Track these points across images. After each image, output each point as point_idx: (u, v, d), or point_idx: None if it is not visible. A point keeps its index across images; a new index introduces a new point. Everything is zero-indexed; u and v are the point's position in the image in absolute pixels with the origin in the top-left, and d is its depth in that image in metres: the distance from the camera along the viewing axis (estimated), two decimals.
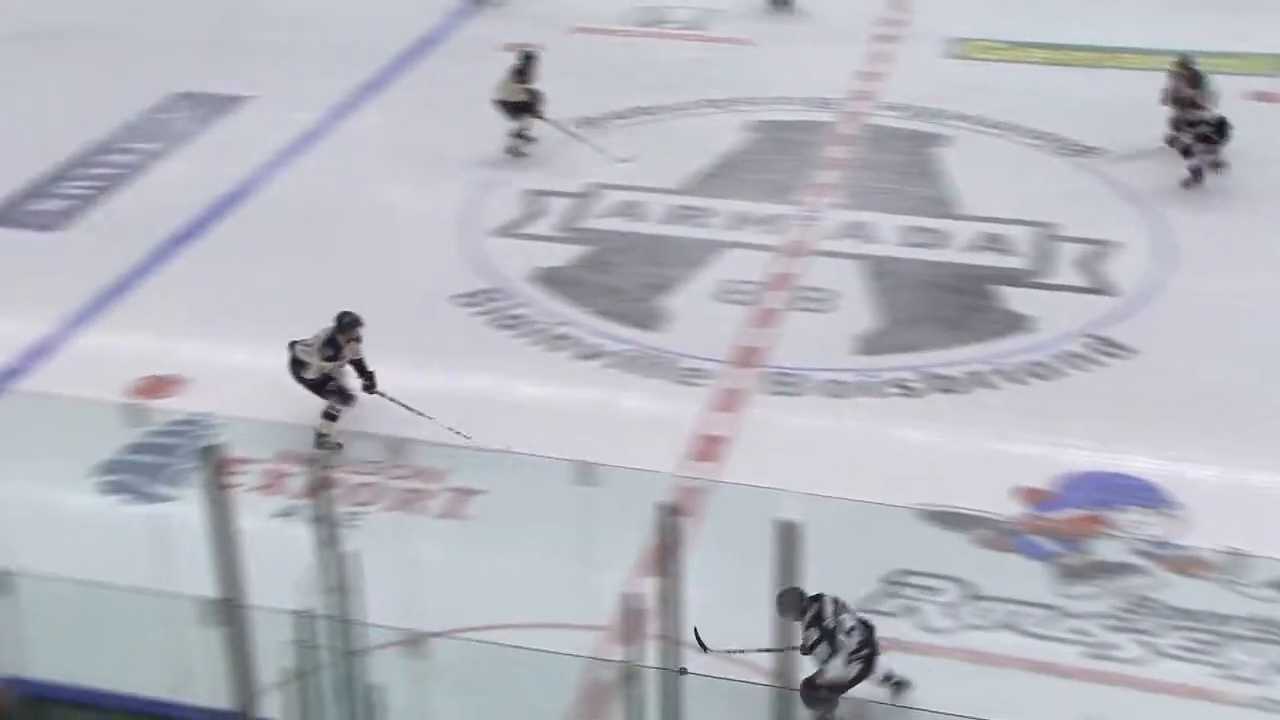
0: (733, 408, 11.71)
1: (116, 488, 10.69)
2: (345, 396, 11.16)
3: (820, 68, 18.80)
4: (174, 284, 13.68)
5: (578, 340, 12.66)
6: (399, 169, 16.20)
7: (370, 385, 11.20)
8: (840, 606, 8.28)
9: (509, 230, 14.72)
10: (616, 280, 13.74)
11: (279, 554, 7.85)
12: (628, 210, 15.11)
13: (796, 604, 7.88)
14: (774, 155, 16.50)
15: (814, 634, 8.15)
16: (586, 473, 9.33)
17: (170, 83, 18.24)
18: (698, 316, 13.11)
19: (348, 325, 11.08)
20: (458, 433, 10.97)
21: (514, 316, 13.05)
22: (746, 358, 12.43)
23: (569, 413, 11.65)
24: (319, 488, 7.32)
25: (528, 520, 10.11)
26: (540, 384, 12.14)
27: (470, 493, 10.52)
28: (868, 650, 8.25)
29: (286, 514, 10.13)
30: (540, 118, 16.20)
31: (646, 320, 13.03)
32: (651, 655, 7.07)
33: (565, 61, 19.15)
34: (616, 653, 7.74)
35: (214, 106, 17.70)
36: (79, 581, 7.94)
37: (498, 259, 14.09)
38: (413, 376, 12.08)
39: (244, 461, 10.54)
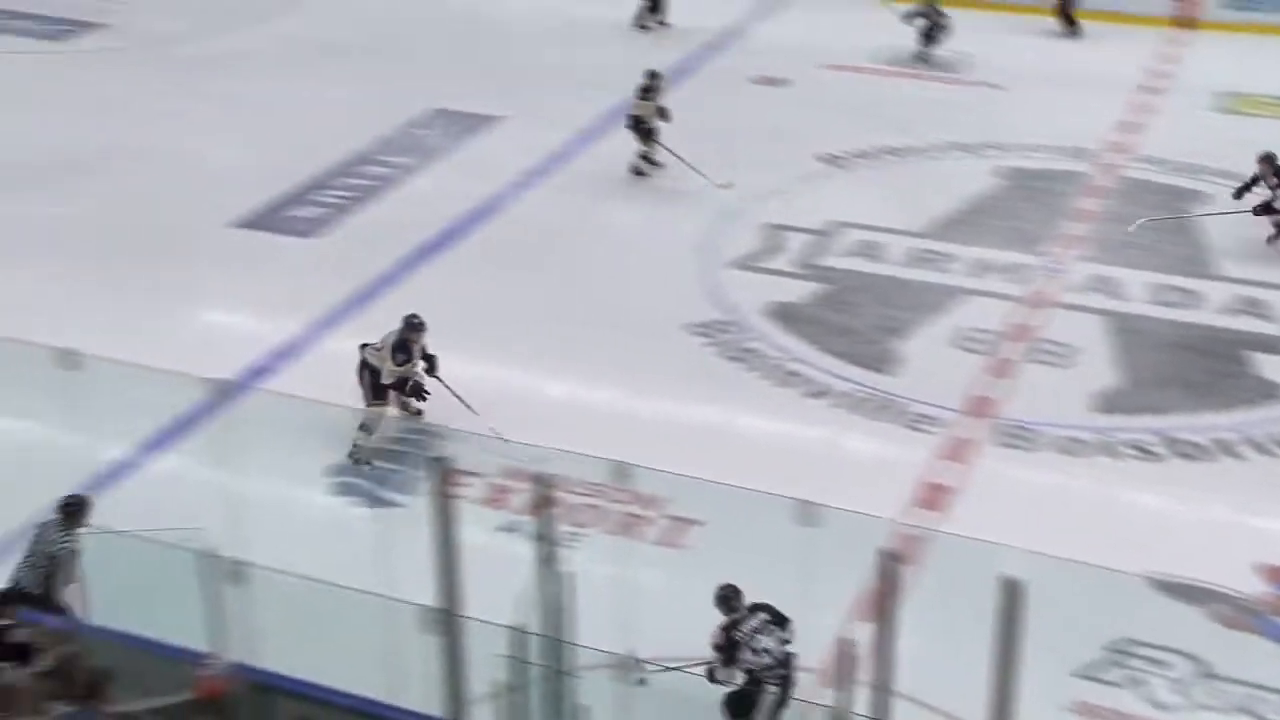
0: (961, 457, 11.44)
1: (348, 490, 11.00)
2: (422, 393, 11.39)
3: (1077, 116, 18.32)
4: (417, 295, 14.00)
5: (807, 378, 12.55)
6: (642, 194, 16.34)
7: (432, 369, 11.48)
8: (765, 628, 8.31)
9: (746, 263, 14.70)
10: (851, 320, 13.59)
11: (498, 568, 7.94)
12: (868, 250, 14.93)
13: (725, 602, 8.46)
14: (1022, 203, 16.13)
15: (720, 637, 8.32)
16: (808, 512, 9.21)
17: (428, 99, 18.81)
18: (932, 362, 12.86)
19: (416, 327, 11.31)
20: (495, 433, 11.09)
21: (745, 349, 13.01)
22: (979, 407, 12.14)
23: (793, 450, 11.55)
24: (542, 505, 7.37)
25: (745, 555, 10.02)
26: (766, 419, 12.07)
27: (689, 523, 10.50)
28: (783, 674, 8.20)
29: (509, 529, 10.27)
30: (651, 140, 16.36)
31: (879, 362, 12.84)
32: (862, 701, 6.91)
33: (813, 97, 19.17)
34: (826, 696, 7.61)
35: (468, 124, 18.18)
36: (306, 578, 8.16)
37: (733, 290, 14.09)
38: (639, 402, 12.19)
39: (471, 474, 10.74)
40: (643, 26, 22.04)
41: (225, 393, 11.69)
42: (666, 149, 16.41)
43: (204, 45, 21.30)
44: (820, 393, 12.34)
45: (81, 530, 8.87)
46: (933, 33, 20.48)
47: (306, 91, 19.37)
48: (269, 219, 15.69)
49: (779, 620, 8.47)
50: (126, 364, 10.73)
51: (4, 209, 15.73)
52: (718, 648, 8.41)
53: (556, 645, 7.47)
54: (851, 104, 19.04)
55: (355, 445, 11.29)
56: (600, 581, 8.46)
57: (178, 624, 8.17)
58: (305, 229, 15.48)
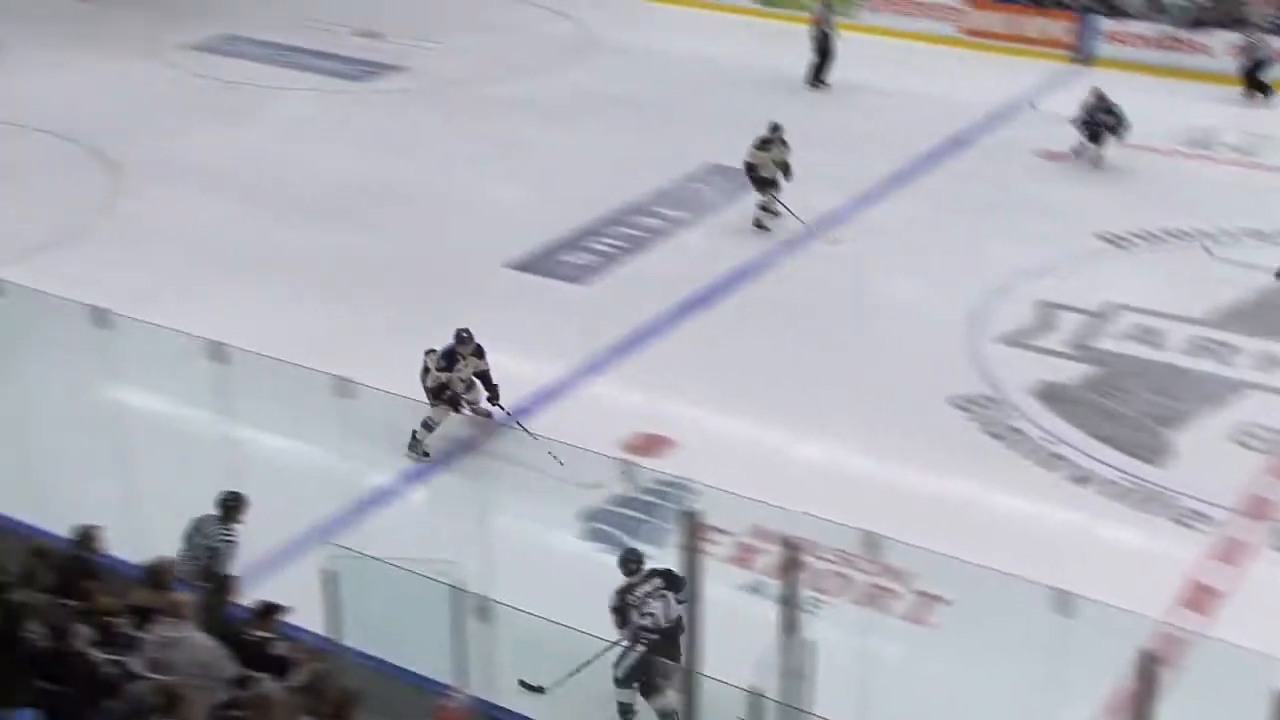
0: (1234, 560, 10.86)
1: (597, 536, 11.10)
2: (456, 405, 11.99)
3: None
4: (679, 348, 14.14)
5: (1071, 462, 12.13)
6: (914, 262, 16.12)
7: (494, 398, 12.17)
8: (657, 594, 8.96)
9: (1016, 339, 14.33)
10: (1122, 406, 13.08)
11: (740, 628, 7.89)
12: (1145, 335, 14.38)
13: (625, 565, 9.16)
14: None
15: (615, 600, 8.99)
16: (1064, 601, 8.88)
17: (706, 154, 18.97)
18: (1207, 457, 12.27)
19: (463, 341, 12.07)
20: (555, 458, 11.32)
21: (1008, 427, 12.67)
22: (1258, 509, 11.52)
23: (1052, 535, 11.17)
24: (788, 569, 7.30)
25: (993, 637, 9.73)
26: (1025, 501, 11.72)
27: (937, 600, 10.25)
28: (656, 638, 8.79)
29: (753, 589, 10.20)
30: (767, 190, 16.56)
31: (1149, 452, 12.32)
32: None
33: (1098, 174, 18.63)
34: None
35: (743, 181, 18.21)
36: (550, 620, 8.24)
37: (1000, 366, 13.74)
38: (895, 471, 12.00)
39: (719, 531, 10.71)
40: (816, 83, 22.18)
41: (485, 430, 11.96)
42: (778, 200, 16.63)
43: (494, 90, 22.01)
44: (1084, 478, 11.91)
45: (238, 525, 9.45)
46: (1099, 134, 18.63)
47: (588, 140, 19.80)
48: (542, 263, 16.04)
49: (674, 585, 8.90)
50: (395, 395, 11.08)
51: (292, 238, 16.51)
52: (614, 610, 9.01)
53: (794, 713, 7.37)
54: (1139, 183, 18.43)
55: (415, 438, 12.03)
56: (842, 652, 8.33)
57: (424, 653, 8.36)
58: (576, 275, 15.78)
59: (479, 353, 12.12)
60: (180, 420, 12.62)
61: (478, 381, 12.11)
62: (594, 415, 12.75)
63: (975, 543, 10.42)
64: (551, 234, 16.61)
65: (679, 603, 8.75)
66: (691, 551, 6.89)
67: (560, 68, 23.29)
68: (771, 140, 16.64)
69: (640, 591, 9.04)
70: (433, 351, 12.18)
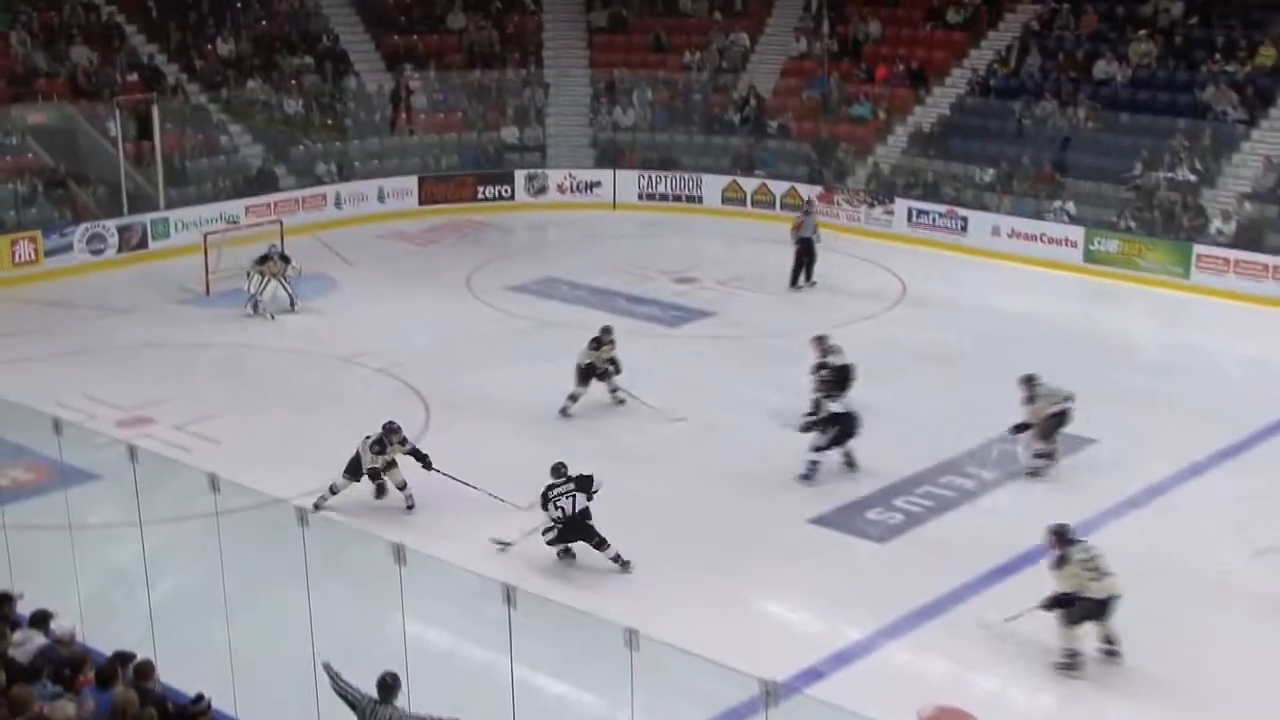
0: None
1: None
2: (381, 491, 15.41)
3: None
4: (984, 615, 13.30)
5: None
6: (1244, 538, 14.91)
7: (427, 465, 15.35)
8: (568, 493, 13.72)
9: None
10: None
11: None
12: None
13: (555, 472, 13.95)
14: None
15: (543, 493, 13.95)
16: None
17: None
18: None
19: (389, 432, 15.22)
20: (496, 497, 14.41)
21: None
22: None
23: None
24: None
25: None
26: None
27: None
28: (562, 523, 13.86)
29: None
30: (599, 379, 18.50)
31: None
32: None
33: None
34: None
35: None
36: None
37: None
38: None
39: None
40: (796, 286, 24.73)
41: (773, 693, 11.36)
42: (623, 389, 18.54)
43: (799, 340, 21.82)
44: None
45: (396, 703, 9.99)
46: None
47: (899, 395, 19.26)
48: (846, 519, 15.56)
49: (582, 486, 13.68)
50: (683, 650, 10.66)
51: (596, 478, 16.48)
52: (541, 499, 13.68)
53: None
54: None
55: (321, 497, 14.92)
56: None
57: None
58: (880, 534, 15.23)
59: (404, 441, 15.25)
60: (465, 659, 12.50)
61: (397, 464, 15.21)
62: (889, 682, 12.13)
63: None
64: (858, 490, 16.15)
65: (588, 499, 13.61)
66: None
67: (873, 319, 23.11)
68: (602, 341, 18.59)
69: (556, 491, 13.65)
70: (368, 438, 15.04)
